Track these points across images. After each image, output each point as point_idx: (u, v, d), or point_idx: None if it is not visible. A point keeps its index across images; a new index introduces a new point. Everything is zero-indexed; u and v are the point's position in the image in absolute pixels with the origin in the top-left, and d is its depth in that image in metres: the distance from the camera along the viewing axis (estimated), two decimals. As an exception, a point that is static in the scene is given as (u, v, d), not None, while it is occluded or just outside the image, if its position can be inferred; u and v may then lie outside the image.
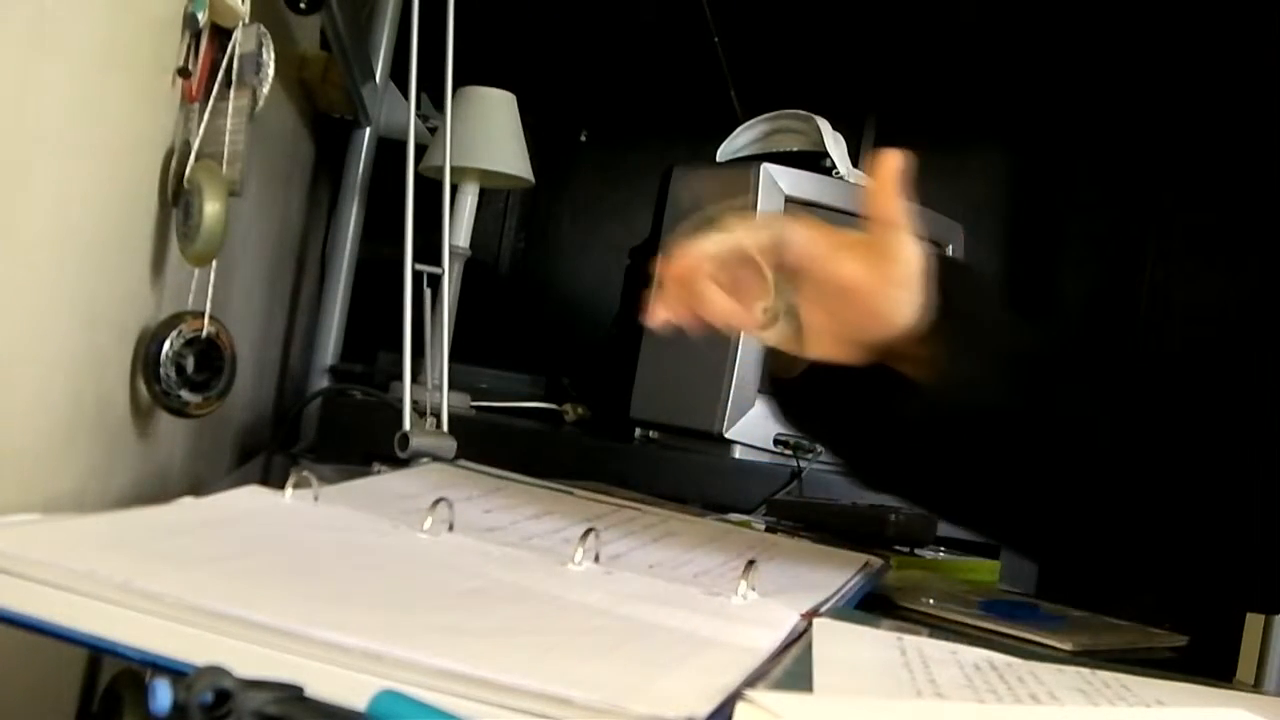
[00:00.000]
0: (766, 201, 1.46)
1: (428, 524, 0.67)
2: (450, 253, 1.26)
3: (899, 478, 0.80)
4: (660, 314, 0.72)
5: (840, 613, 0.68)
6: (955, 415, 0.71)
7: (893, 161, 0.70)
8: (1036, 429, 0.73)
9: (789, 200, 1.47)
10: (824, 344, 0.72)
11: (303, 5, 1.11)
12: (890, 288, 0.70)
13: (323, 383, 1.62)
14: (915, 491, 0.83)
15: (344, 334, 1.66)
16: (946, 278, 0.71)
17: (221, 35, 0.87)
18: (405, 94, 1.35)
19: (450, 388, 1.20)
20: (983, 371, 0.71)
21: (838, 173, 1.56)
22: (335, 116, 1.59)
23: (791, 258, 0.70)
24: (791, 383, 0.78)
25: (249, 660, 0.42)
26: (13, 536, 0.48)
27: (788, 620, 0.60)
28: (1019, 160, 2.16)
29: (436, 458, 1.06)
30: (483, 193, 1.56)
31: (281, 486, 0.69)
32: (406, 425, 1.08)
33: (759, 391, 1.44)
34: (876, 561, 0.87)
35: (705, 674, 0.48)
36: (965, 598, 0.88)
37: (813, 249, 0.70)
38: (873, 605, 0.78)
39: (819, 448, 1.33)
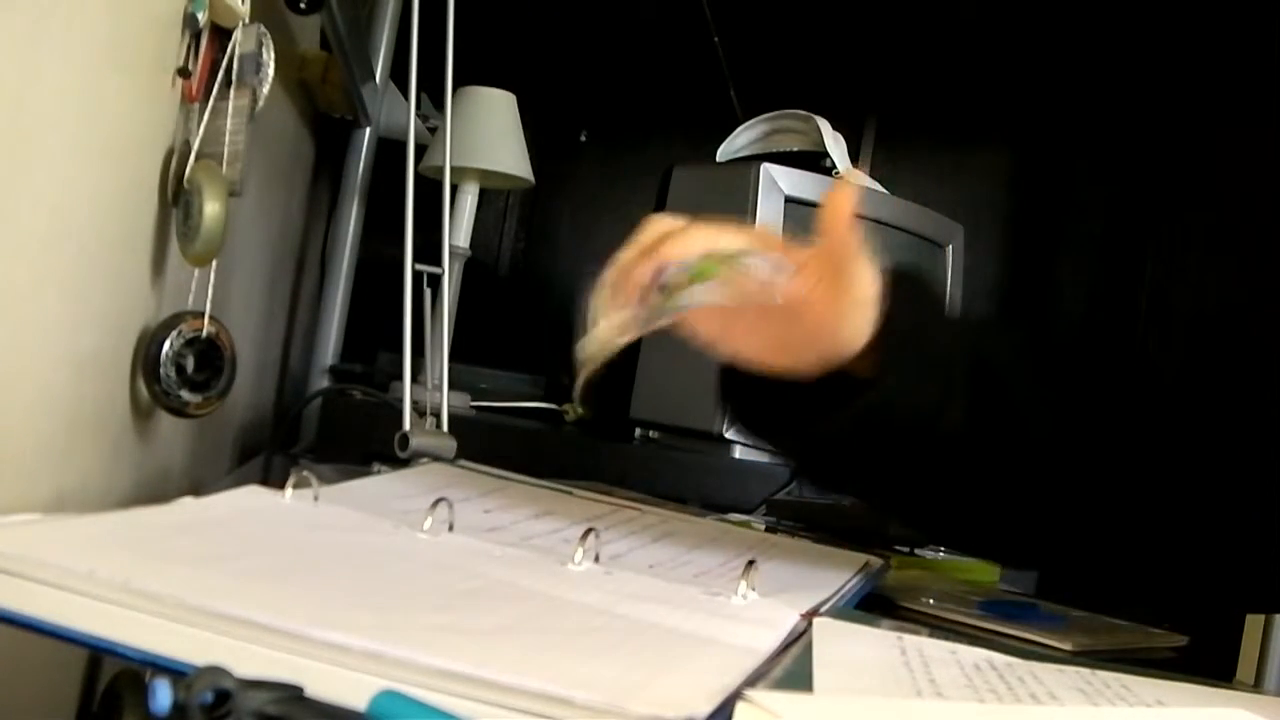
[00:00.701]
0: (766, 201, 1.46)
1: (428, 524, 0.67)
2: (450, 253, 1.26)
3: (849, 479, 0.81)
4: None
5: (840, 613, 0.68)
6: (897, 422, 0.72)
7: (848, 192, 0.70)
8: (993, 436, 0.73)
9: (789, 200, 1.47)
10: (776, 358, 0.72)
11: (303, 5, 1.11)
12: (845, 310, 0.70)
13: (323, 383, 1.62)
14: (866, 492, 0.84)
15: (344, 334, 1.66)
16: (892, 290, 0.71)
17: (221, 35, 0.87)
18: (405, 94, 1.36)
19: (450, 388, 1.20)
20: (922, 381, 0.72)
21: (838, 173, 1.56)
22: (335, 116, 1.59)
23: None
24: (743, 387, 0.78)
25: (249, 660, 0.42)
26: (13, 536, 0.48)
27: (788, 620, 0.60)
28: (1019, 160, 2.16)
29: (436, 458, 1.06)
30: (483, 193, 1.55)
31: (281, 486, 0.69)
32: (406, 425, 1.08)
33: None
34: (876, 561, 0.87)
35: (705, 674, 0.48)
36: (965, 598, 0.88)
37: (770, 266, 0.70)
38: (873, 605, 0.78)
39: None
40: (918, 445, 0.73)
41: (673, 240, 0.68)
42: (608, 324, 0.69)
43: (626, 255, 0.69)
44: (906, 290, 0.72)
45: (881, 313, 0.70)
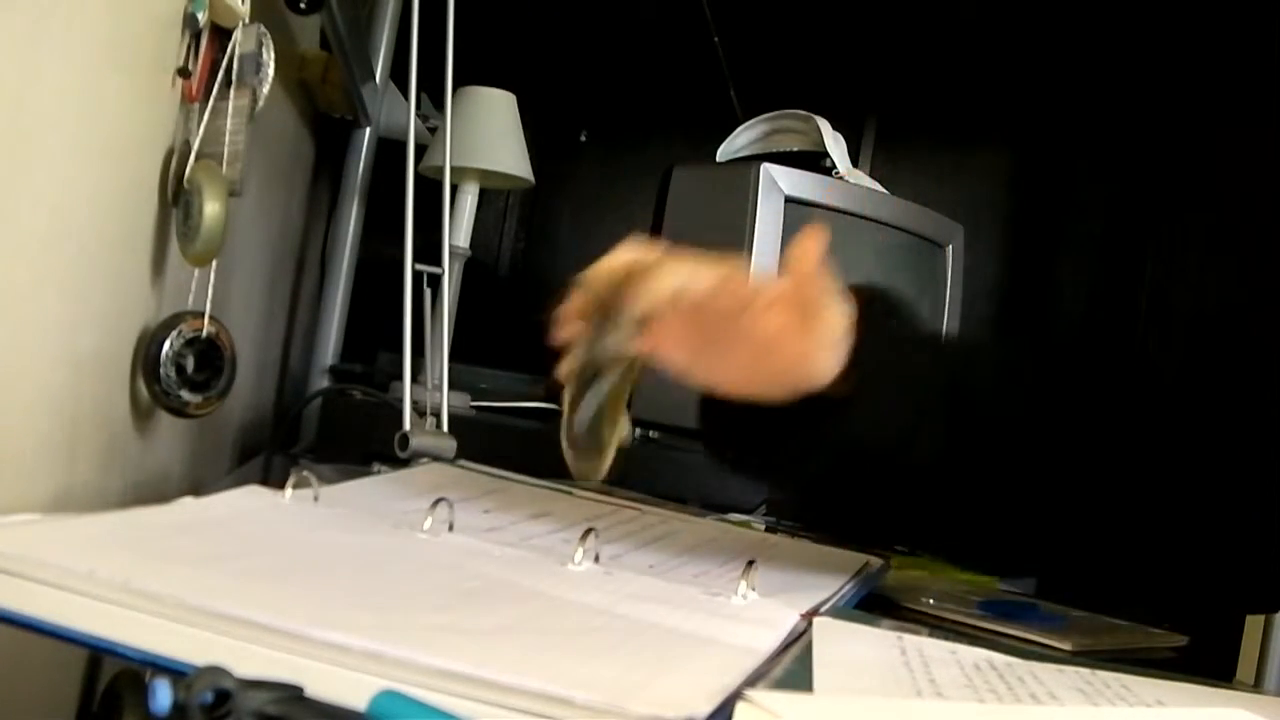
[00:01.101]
0: (766, 201, 1.45)
1: (428, 524, 0.67)
2: (450, 253, 1.26)
3: (830, 510, 0.82)
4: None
5: (840, 613, 0.68)
6: (870, 455, 0.72)
7: (815, 237, 0.70)
8: (969, 459, 0.74)
9: (789, 200, 1.47)
10: (746, 387, 0.72)
11: (303, 5, 1.11)
12: (812, 349, 0.70)
13: (323, 383, 1.62)
14: (848, 516, 0.84)
15: (344, 334, 1.65)
16: (863, 315, 0.71)
17: (221, 35, 0.87)
18: (405, 94, 1.35)
19: (450, 388, 1.20)
20: (892, 413, 0.72)
21: (838, 173, 1.56)
22: (335, 116, 1.59)
23: (720, 306, 0.70)
24: (719, 417, 0.77)
25: (249, 660, 0.42)
26: (13, 536, 0.48)
27: (788, 620, 0.60)
28: (1019, 160, 2.16)
29: (436, 458, 1.06)
30: (483, 193, 1.55)
31: (281, 486, 0.69)
32: (406, 425, 1.08)
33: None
34: (876, 561, 0.87)
35: (705, 674, 0.48)
36: (965, 598, 0.88)
37: (740, 301, 0.70)
38: (873, 605, 0.78)
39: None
40: (892, 475, 0.73)
41: (642, 273, 0.69)
42: (578, 354, 0.70)
43: (591, 288, 0.70)
44: (877, 316, 0.72)
45: (852, 341, 0.70)
